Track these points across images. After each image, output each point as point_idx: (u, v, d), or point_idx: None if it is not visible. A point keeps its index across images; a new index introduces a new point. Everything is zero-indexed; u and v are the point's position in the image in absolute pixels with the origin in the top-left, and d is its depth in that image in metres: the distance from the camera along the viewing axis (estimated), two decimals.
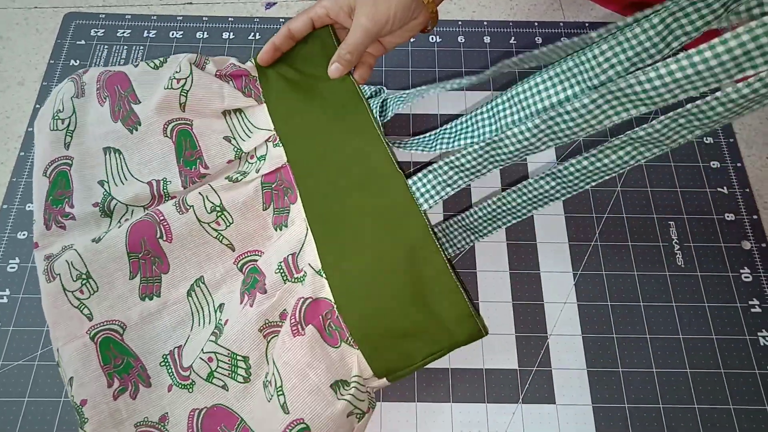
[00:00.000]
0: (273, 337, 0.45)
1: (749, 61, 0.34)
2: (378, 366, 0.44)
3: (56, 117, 0.52)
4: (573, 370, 0.50)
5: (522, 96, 0.49)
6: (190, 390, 0.45)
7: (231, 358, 0.44)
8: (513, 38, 0.67)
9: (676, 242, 0.55)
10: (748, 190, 0.58)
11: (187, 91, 0.51)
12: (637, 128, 0.40)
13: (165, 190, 0.50)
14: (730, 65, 0.34)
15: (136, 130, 0.51)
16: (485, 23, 0.68)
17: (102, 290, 0.46)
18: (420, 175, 0.46)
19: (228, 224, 0.49)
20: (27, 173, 0.58)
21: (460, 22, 0.68)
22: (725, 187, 0.58)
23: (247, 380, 0.44)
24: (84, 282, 0.46)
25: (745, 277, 0.54)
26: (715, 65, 0.34)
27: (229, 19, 0.68)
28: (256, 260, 0.49)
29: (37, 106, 0.62)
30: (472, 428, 0.48)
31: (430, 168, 0.46)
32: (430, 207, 0.46)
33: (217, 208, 0.49)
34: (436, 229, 0.53)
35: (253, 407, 0.44)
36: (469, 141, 0.51)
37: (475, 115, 0.52)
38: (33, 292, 0.53)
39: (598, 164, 0.44)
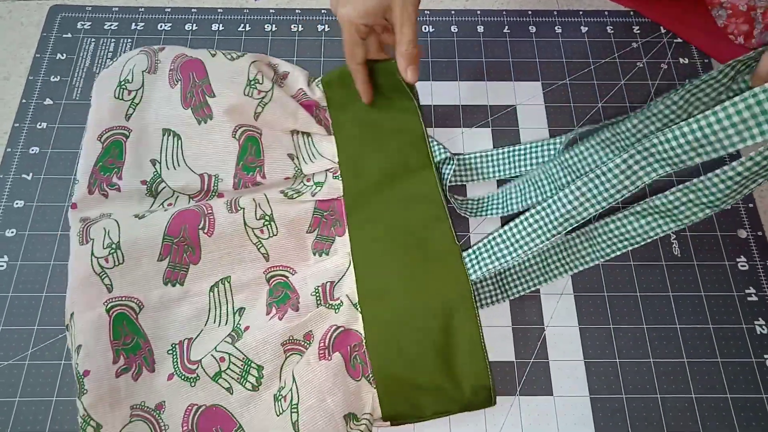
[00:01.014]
0: (292, 354, 0.45)
1: (747, 131, 0.37)
2: (387, 411, 0.44)
3: (123, 86, 0.53)
4: (570, 362, 0.50)
5: (571, 161, 0.52)
6: (192, 384, 0.45)
7: (245, 363, 0.44)
8: (507, 27, 0.67)
9: (672, 232, 0.55)
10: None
11: (266, 104, 0.52)
12: (654, 197, 0.45)
13: (215, 186, 0.51)
14: (731, 131, 0.37)
15: (205, 122, 0.51)
16: (479, 12, 0.67)
17: (127, 264, 0.46)
18: (476, 248, 0.48)
19: (271, 235, 0.49)
20: (14, 170, 0.57)
21: (453, 12, 0.67)
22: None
23: (255, 389, 0.44)
24: (112, 251, 0.46)
25: (742, 266, 0.54)
26: (717, 129, 0.38)
27: (218, 10, 0.67)
28: (287, 276, 0.49)
29: (24, 100, 0.61)
30: (470, 421, 0.48)
31: (485, 242, 0.48)
32: (477, 278, 0.47)
33: (266, 217, 0.49)
34: None
35: (253, 417, 0.44)
36: (529, 202, 0.53)
37: (531, 177, 0.54)
38: (22, 291, 0.52)
39: (623, 229, 0.48)
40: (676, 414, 0.48)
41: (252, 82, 0.52)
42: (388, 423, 0.45)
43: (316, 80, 0.57)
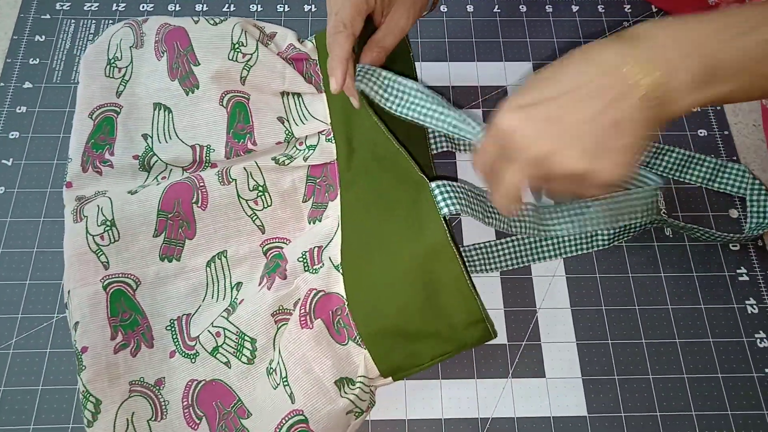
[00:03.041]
0: (283, 324, 0.45)
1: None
2: (384, 366, 0.43)
3: (113, 64, 0.53)
4: (562, 343, 0.50)
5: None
6: (193, 360, 0.45)
7: (239, 337, 0.44)
8: (497, 7, 0.65)
9: (664, 212, 0.55)
10: (735, 158, 0.57)
11: (251, 66, 0.51)
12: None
13: (207, 157, 0.50)
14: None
15: (192, 92, 0.51)
16: None
17: (123, 241, 0.47)
18: (440, 183, 0.43)
19: (265, 206, 0.49)
20: None
21: None
22: (712, 156, 0.57)
23: (251, 362, 0.44)
24: (107, 229, 0.46)
25: (733, 246, 0.54)
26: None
27: None
28: (282, 248, 0.49)
29: (2, 84, 0.59)
30: (461, 404, 0.48)
31: (452, 183, 0.43)
32: (450, 213, 0.42)
33: (260, 188, 0.49)
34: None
35: (252, 389, 0.44)
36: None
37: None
38: (5, 279, 0.51)
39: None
40: (667, 394, 0.48)
41: (236, 45, 0.51)
42: (390, 379, 0.44)
43: (309, 37, 0.55)
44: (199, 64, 0.51)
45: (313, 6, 0.65)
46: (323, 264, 0.45)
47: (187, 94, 0.51)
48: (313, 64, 0.53)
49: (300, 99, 0.52)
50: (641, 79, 0.31)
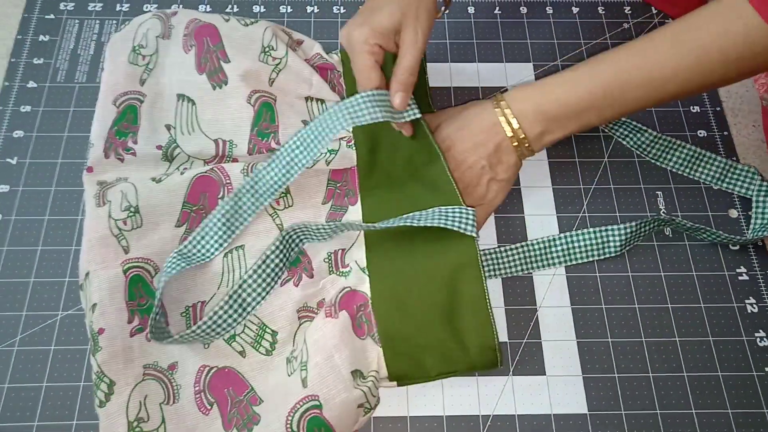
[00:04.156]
0: (305, 321, 0.46)
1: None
2: (393, 370, 0.45)
3: (137, 51, 0.53)
4: (563, 342, 0.50)
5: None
6: (206, 346, 0.46)
7: (260, 328, 0.46)
8: (498, 8, 0.66)
9: (663, 212, 0.55)
10: (734, 158, 0.58)
11: (280, 70, 0.52)
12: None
13: (230, 152, 0.51)
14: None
15: (220, 88, 0.52)
16: None
17: (145, 227, 0.48)
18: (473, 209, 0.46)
19: (286, 206, 0.50)
20: None
21: None
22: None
23: (269, 353, 0.45)
24: (131, 215, 0.47)
25: (733, 246, 0.54)
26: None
27: None
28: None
29: (6, 83, 0.59)
30: (463, 402, 0.48)
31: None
32: (478, 237, 0.45)
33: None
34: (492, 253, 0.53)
35: (266, 380, 0.45)
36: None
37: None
38: (9, 277, 0.51)
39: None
40: (668, 392, 0.48)
41: (266, 48, 0.53)
42: (395, 384, 0.46)
43: (335, 51, 0.57)
44: (230, 62, 0.52)
45: (315, 8, 0.65)
46: (351, 268, 0.47)
47: (214, 89, 0.52)
48: (338, 75, 0.55)
49: (324, 105, 0.54)
50: (507, 128, 0.48)
